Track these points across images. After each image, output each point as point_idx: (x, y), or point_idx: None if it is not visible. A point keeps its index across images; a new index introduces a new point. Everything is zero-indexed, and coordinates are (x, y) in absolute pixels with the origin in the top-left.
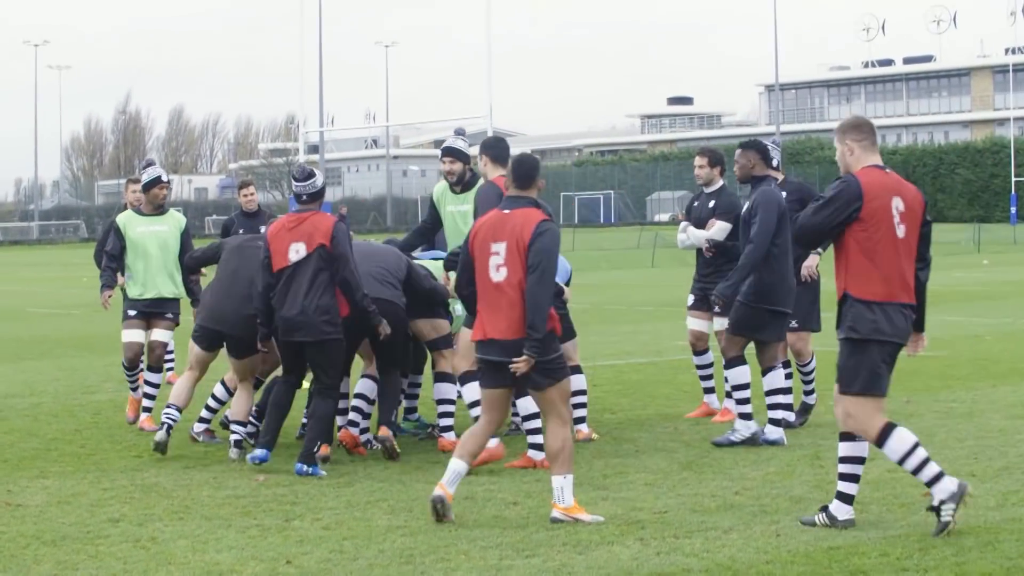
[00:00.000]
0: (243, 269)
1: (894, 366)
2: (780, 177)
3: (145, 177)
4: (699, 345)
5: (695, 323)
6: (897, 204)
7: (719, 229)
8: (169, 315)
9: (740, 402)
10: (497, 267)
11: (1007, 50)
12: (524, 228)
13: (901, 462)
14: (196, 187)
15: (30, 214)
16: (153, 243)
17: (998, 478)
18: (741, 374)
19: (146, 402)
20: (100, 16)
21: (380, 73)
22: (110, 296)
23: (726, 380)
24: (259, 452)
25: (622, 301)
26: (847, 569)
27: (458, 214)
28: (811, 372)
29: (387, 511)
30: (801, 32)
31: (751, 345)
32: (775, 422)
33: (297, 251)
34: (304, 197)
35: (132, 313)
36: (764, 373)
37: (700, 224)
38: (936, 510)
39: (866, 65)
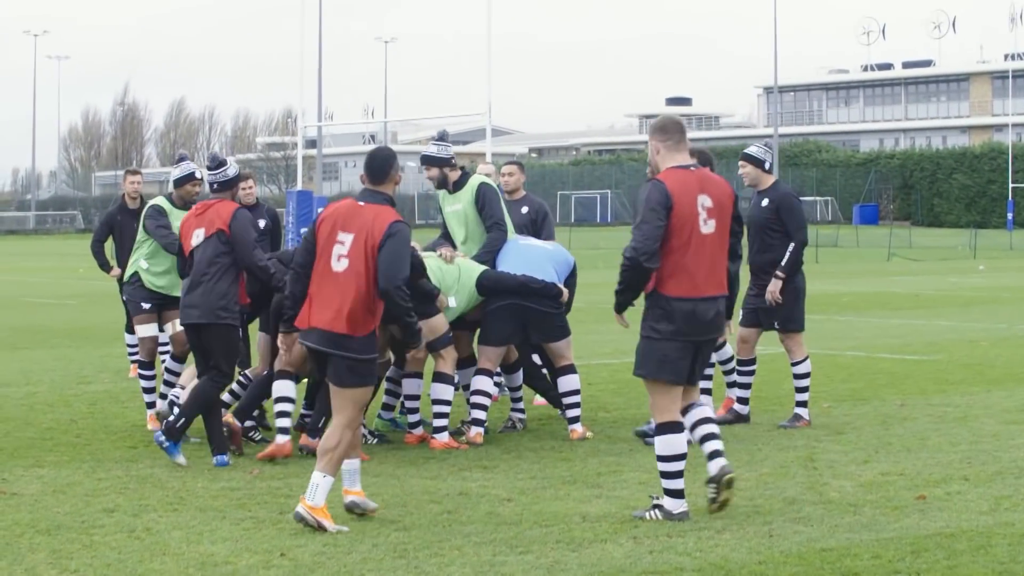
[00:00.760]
0: None
1: (698, 355)
2: (770, 180)
3: (178, 173)
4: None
5: None
6: (703, 201)
7: None
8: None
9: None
10: (339, 257)
11: (1006, 56)
12: (375, 225)
13: (664, 459)
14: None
15: (27, 204)
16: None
17: (991, 482)
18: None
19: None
20: (100, 7)
21: (379, 69)
22: None
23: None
24: (220, 458)
25: None
26: (839, 571)
27: (451, 214)
28: (803, 375)
29: (381, 505)
30: (801, 35)
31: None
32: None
33: (197, 236)
34: (215, 186)
35: (147, 307)
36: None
37: None
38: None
39: (865, 69)
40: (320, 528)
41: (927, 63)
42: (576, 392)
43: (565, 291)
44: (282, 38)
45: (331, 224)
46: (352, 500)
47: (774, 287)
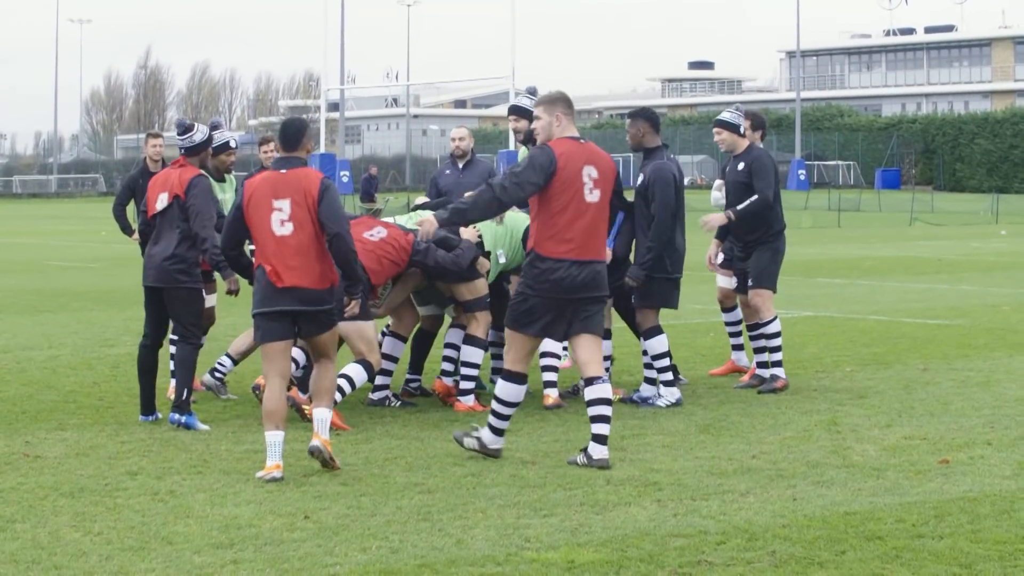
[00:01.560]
0: None
1: (573, 315)
2: (744, 144)
3: (214, 142)
4: (727, 303)
5: (724, 280)
6: (589, 171)
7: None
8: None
9: (661, 370)
10: (281, 222)
11: None
12: (309, 186)
13: (500, 400)
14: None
15: (49, 167)
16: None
17: (1014, 447)
18: (661, 343)
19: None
20: None
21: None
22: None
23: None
24: (146, 417)
25: None
26: (863, 534)
27: None
28: (772, 335)
29: (405, 468)
30: None
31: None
32: (650, 381)
33: (161, 200)
34: (182, 151)
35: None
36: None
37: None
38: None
39: (887, 33)
40: (332, 461)
41: (949, 28)
42: (608, 358)
43: (608, 251)
44: (305, 1)
45: (261, 196)
46: (316, 444)
47: (714, 219)
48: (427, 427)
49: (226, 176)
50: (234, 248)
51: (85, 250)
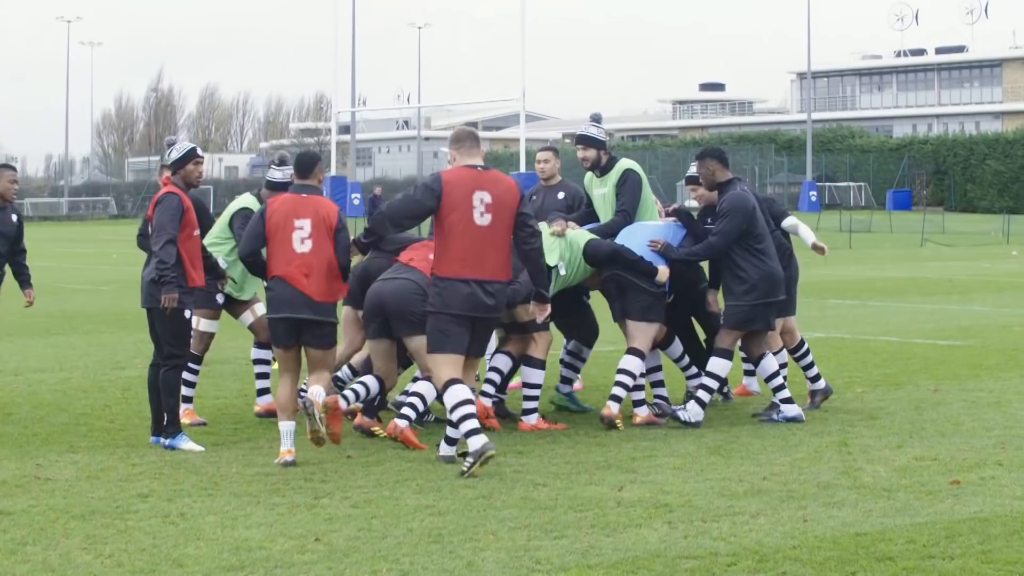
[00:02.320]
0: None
1: (473, 329)
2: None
3: (271, 176)
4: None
5: None
6: (482, 196)
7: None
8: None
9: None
10: (302, 239)
11: None
12: (329, 212)
13: (451, 410)
14: (227, 165)
15: (60, 190)
16: None
17: None
18: (719, 366)
19: (263, 383)
20: None
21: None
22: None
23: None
24: (154, 439)
25: None
26: (874, 555)
27: (599, 197)
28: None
29: (416, 490)
30: (834, 20)
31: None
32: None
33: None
34: (167, 168)
35: (219, 301)
36: (758, 361)
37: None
38: (463, 455)
39: (898, 54)
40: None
41: (960, 48)
42: (631, 374)
43: (663, 270)
44: (316, 24)
45: (283, 215)
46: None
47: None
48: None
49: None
50: (253, 254)
51: (96, 273)
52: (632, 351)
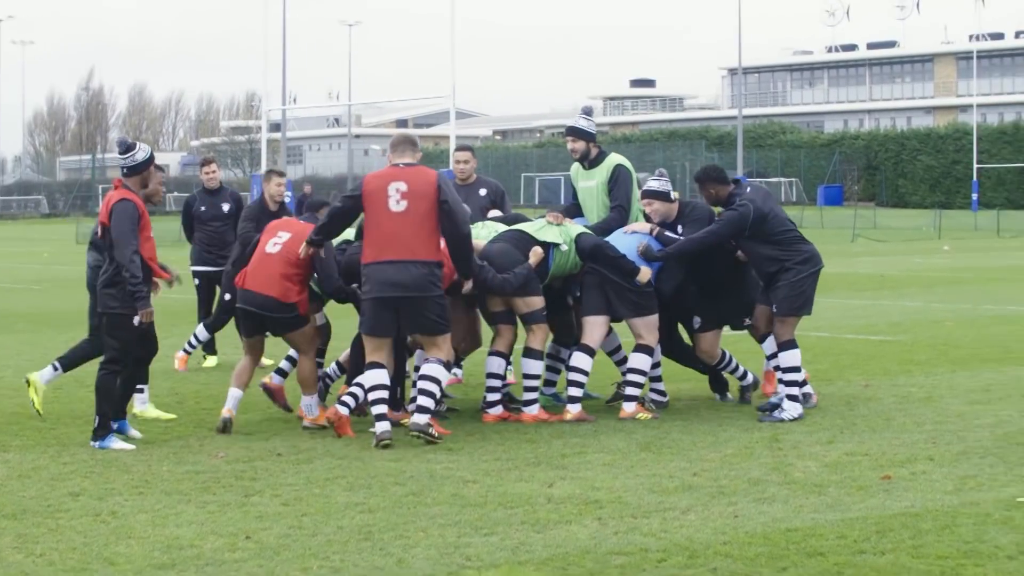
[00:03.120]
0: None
1: (399, 311)
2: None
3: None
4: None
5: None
6: (398, 186)
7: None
8: None
9: (789, 384)
10: (275, 244)
11: (971, 36)
12: (304, 227)
13: (368, 390)
14: (158, 164)
15: None
16: None
17: (956, 462)
18: (793, 357)
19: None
20: None
21: (343, 52)
22: None
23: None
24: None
25: None
26: (805, 551)
27: (585, 190)
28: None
29: (346, 488)
30: (765, 17)
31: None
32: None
33: (101, 227)
34: (124, 170)
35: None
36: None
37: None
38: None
39: (830, 50)
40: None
41: (891, 44)
42: (640, 372)
43: (644, 271)
44: (246, 22)
45: (275, 226)
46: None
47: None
48: (368, 447)
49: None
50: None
51: (27, 272)
52: (640, 347)
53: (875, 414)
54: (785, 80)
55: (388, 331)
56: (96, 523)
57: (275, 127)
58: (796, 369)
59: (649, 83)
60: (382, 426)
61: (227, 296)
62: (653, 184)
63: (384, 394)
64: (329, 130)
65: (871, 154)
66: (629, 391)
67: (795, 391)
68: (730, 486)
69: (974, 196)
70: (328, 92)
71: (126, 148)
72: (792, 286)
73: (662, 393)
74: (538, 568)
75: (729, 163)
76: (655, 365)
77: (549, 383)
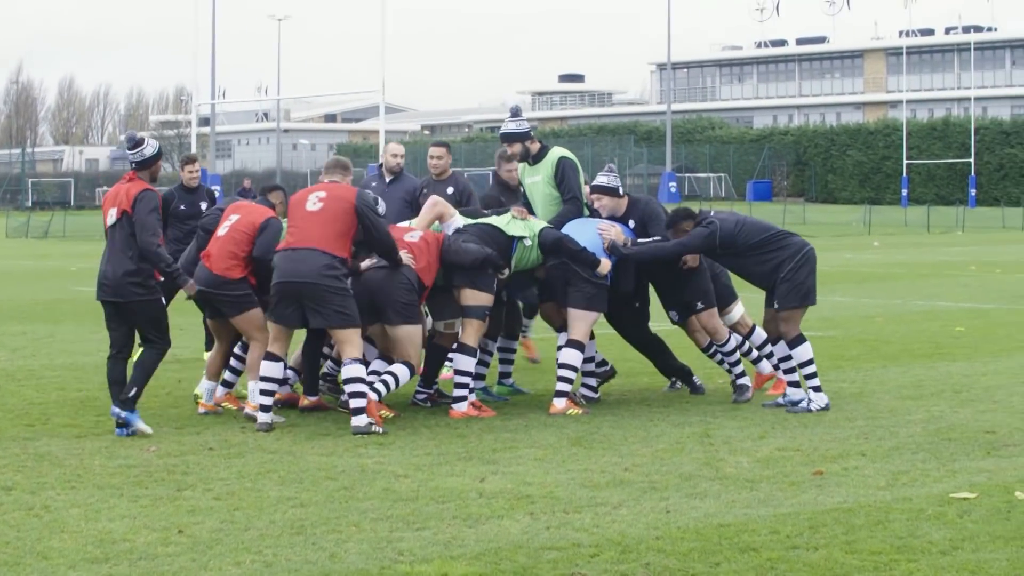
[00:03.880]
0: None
1: (300, 299)
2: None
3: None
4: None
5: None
6: (318, 194)
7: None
8: None
9: (809, 376)
10: (225, 226)
11: (901, 32)
12: (255, 214)
13: (259, 379)
14: (87, 158)
15: None
16: None
17: (888, 458)
18: (805, 351)
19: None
20: None
21: (272, 46)
22: None
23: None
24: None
25: None
26: (737, 546)
27: (531, 185)
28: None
29: (278, 482)
30: (694, 11)
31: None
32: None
33: (111, 215)
34: (132, 165)
35: None
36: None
37: None
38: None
39: (759, 45)
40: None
41: (821, 39)
42: (572, 368)
43: (604, 263)
44: (176, 16)
45: (230, 210)
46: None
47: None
48: (299, 441)
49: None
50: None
51: None
52: (571, 343)
53: (806, 410)
54: (714, 75)
55: (290, 320)
56: (29, 517)
57: (204, 121)
58: (810, 362)
59: (578, 78)
60: (263, 417)
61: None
62: (602, 179)
63: (272, 387)
64: (258, 124)
65: (800, 150)
66: (560, 387)
67: (817, 381)
68: (662, 481)
69: (904, 192)
70: (257, 87)
71: (135, 143)
72: (789, 281)
73: (593, 389)
74: (470, 563)
75: (658, 158)
76: (587, 360)
77: (479, 376)
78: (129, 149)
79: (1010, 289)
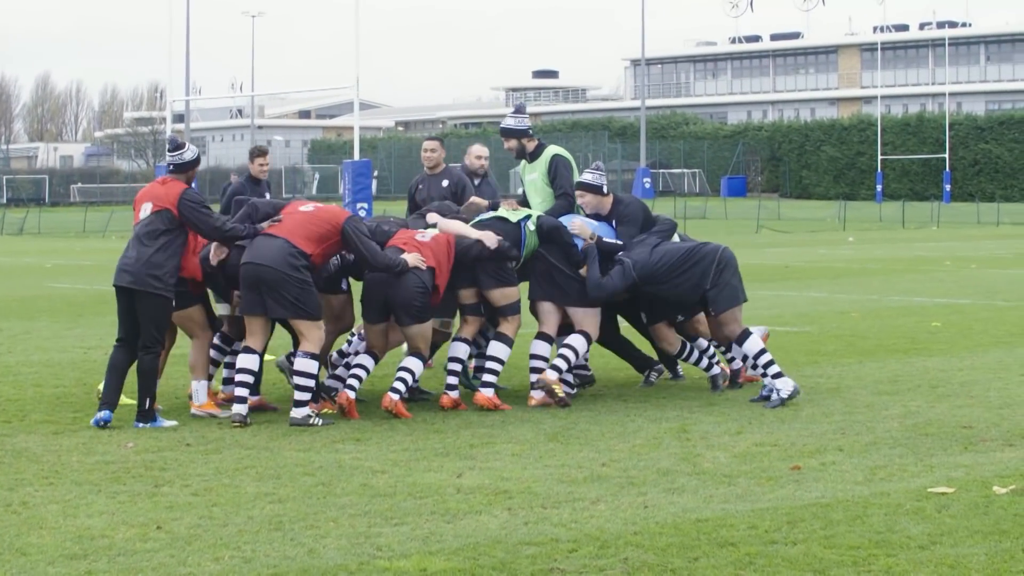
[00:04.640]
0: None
1: (260, 290)
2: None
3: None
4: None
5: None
6: (315, 205)
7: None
8: None
9: (766, 365)
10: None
11: (875, 28)
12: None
13: (236, 371)
14: (61, 155)
15: None
16: None
17: (865, 453)
18: (754, 343)
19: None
20: None
21: (246, 43)
22: None
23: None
24: (102, 414)
25: None
26: (715, 541)
27: (530, 183)
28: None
29: (255, 478)
30: (668, 7)
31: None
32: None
33: (145, 209)
34: (171, 167)
35: (344, 287)
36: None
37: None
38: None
39: (733, 41)
40: (211, 416)
41: (795, 35)
42: (574, 349)
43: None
44: (150, 12)
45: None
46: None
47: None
48: (277, 437)
49: None
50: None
51: None
52: (582, 332)
53: (783, 405)
54: (688, 71)
55: (254, 308)
56: (7, 513)
57: (179, 118)
58: (763, 351)
59: (552, 74)
60: (239, 408)
61: None
62: (587, 176)
63: (249, 379)
64: (232, 121)
65: (775, 145)
66: (558, 363)
67: (775, 368)
68: (639, 476)
69: (878, 187)
70: (231, 83)
71: (176, 146)
72: (717, 287)
73: (570, 384)
74: (449, 558)
75: (632, 154)
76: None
77: (478, 369)
78: (170, 151)
79: (985, 284)
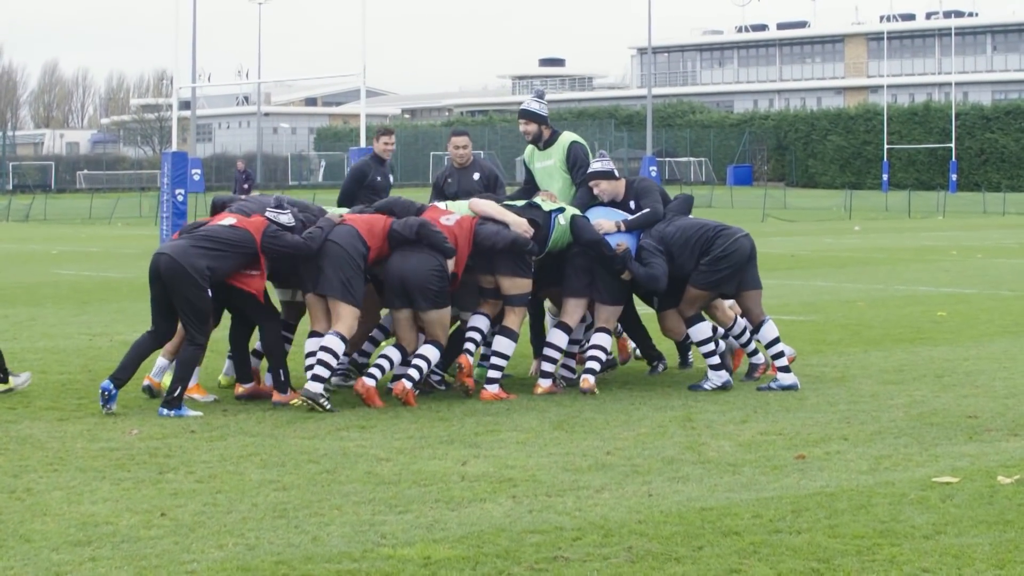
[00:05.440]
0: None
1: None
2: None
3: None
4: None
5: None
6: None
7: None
8: None
9: (708, 354)
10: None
11: (881, 17)
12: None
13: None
14: (68, 141)
15: None
16: None
17: (870, 442)
18: (703, 330)
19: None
20: None
21: (253, 30)
22: None
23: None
24: (107, 383)
25: None
26: (720, 530)
27: (542, 170)
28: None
29: (260, 465)
30: None
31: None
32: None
33: (229, 219)
34: (267, 217)
35: None
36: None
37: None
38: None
39: (740, 30)
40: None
41: (802, 24)
42: (602, 348)
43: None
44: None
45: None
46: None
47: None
48: (281, 424)
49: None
50: None
51: None
52: (600, 329)
53: (788, 394)
54: (695, 60)
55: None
56: (11, 500)
57: (185, 105)
58: (709, 340)
59: (558, 62)
60: (314, 386)
61: None
62: (596, 165)
63: (332, 360)
64: (238, 108)
65: (781, 134)
66: (591, 365)
67: (715, 360)
68: (644, 465)
69: (884, 176)
70: (238, 70)
71: (279, 204)
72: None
73: (572, 370)
74: (453, 546)
75: (638, 142)
76: (572, 342)
77: (484, 357)
78: (273, 207)
79: (991, 274)
